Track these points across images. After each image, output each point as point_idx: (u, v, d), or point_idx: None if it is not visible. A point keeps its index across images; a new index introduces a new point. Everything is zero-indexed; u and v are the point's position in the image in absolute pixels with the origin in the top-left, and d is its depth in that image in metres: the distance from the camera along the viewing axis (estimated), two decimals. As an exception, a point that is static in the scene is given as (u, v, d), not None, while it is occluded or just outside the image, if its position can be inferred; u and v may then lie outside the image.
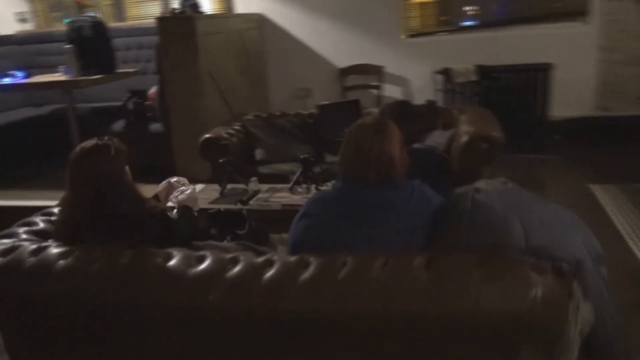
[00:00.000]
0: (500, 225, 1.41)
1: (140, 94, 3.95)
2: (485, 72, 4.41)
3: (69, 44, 3.87)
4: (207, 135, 3.33)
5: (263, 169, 3.32)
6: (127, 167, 1.89)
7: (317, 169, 2.78)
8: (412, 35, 4.66)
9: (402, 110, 3.56)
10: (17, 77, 4.09)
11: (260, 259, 1.52)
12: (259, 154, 3.43)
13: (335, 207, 1.58)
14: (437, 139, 3.29)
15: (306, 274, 1.42)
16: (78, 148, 1.82)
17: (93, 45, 3.95)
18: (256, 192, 2.76)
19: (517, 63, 4.36)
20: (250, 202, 2.59)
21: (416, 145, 3.25)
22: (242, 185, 2.83)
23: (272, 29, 4.86)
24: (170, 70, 3.61)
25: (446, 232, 1.53)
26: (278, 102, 4.93)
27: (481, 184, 1.99)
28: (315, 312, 1.38)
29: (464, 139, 3.00)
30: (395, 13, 4.68)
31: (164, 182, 2.27)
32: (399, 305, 1.34)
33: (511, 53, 4.39)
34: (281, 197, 2.63)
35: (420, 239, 1.55)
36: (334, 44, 4.81)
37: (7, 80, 4.03)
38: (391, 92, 4.76)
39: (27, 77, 4.19)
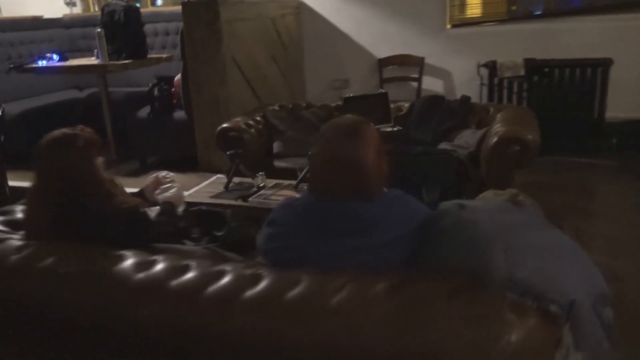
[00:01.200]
0: (479, 250, 1.18)
1: (167, 80, 3.89)
2: (535, 66, 4.03)
3: (100, 28, 3.86)
4: (224, 125, 3.20)
5: (279, 163, 3.17)
6: (99, 160, 1.78)
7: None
8: (457, 25, 4.34)
9: (433, 106, 3.31)
10: (52, 60, 4.13)
11: (213, 269, 1.37)
12: (276, 146, 3.27)
13: (301, 217, 1.40)
14: (467, 138, 3.02)
15: (252, 291, 1.25)
16: (45, 138, 1.73)
17: (124, 30, 3.93)
18: (261, 188, 2.61)
19: (572, 57, 3.96)
20: (250, 198, 2.45)
21: (443, 146, 3.00)
22: (250, 180, 2.70)
23: (310, 16, 4.68)
24: (194, 57, 3.52)
25: (424, 252, 1.31)
26: (314, 93, 4.76)
27: (488, 193, 1.75)
28: (254, 335, 1.21)
29: (494, 140, 2.71)
30: (442, 1, 4.38)
31: (151, 177, 2.15)
32: (348, 338, 1.14)
33: (565, 46, 3.99)
34: (284, 194, 2.47)
35: (400, 256, 1.34)
36: (373, 32, 4.57)
37: (42, 63, 4.07)
38: (432, 85, 4.47)
39: (62, 60, 4.23)
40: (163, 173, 2.14)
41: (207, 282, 1.31)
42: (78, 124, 4.62)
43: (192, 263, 1.41)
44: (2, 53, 4.52)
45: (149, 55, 4.13)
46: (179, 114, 3.83)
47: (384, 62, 4.57)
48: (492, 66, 4.11)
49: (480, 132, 2.98)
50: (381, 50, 4.57)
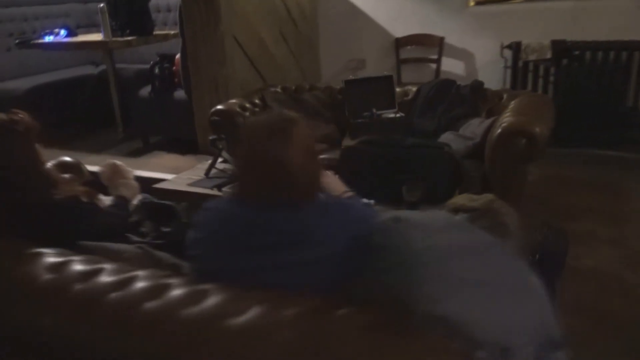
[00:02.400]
0: (405, 277, 0.99)
1: (169, 58, 3.76)
2: (564, 49, 3.69)
3: (104, 3, 3.76)
4: (217, 108, 3.06)
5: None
6: (38, 147, 1.67)
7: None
8: (481, 3, 4.01)
9: (442, 91, 3.06)
10: (59, 36, 4.07)
11: (122, 276, 1.23)
12: (272, 131, 3.11)
13: (223, 225, 1.24)
14: (474, 128, 2.78)
15: (151, 305, 1.12)
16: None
17: (129, 6, 3.81)
18: (242, 177, 2.46)
19: (605, 40, 3.60)
20: (224, 188, 2.30)
21: (447, 136, 2.76)
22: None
23: (325, -8, 4.45)
24: (192, 35, 3.37)
25: (354, 272, 1.13)
26: (330, 74, 4.55)
27: (460, 198, 1.54)
28: (150, 353, 1.08)
29: (497, 131, 2.46)
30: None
31: (108, 162, 2.03)
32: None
33: (598, 27, 3.63)
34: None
35: (332, 275, 1.16)
36: (391, 9, 4.30)
37: (49, 39, 4.02)
38: (452, 67, 4.19)
39: (70, 35, 4.16)
40: (119, 163, 2.02)
41: (108, 290, 1.19)
42: (86, 101, 4.51)
43: (107, 267, 1.29)
44: (16, 27, 4.49)
45: (155, 32, 4.01)
46: (180, 94, 3.71)
47: (401, 42, 4.30)
48: (516, 48, 3.80)
49: (488, 122, 2.73)
50: (399, 29, 4.30)
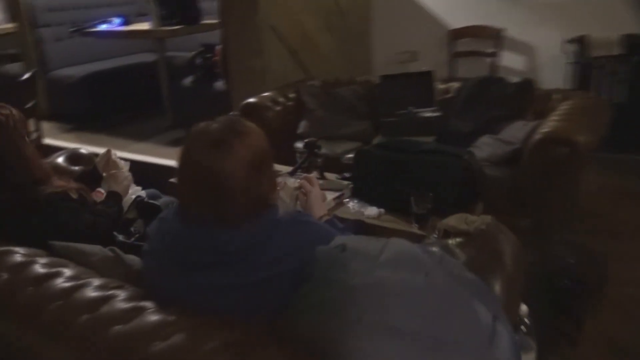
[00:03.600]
0: (329, 316, 0.86)
1: (212, 48, 3.74)
2: (636, 44, 3.30)
3: (152, -8, 3.79)
4: (248, 101, 2.99)
5: (299, 145, 2.90)
6: (27, 141, 1.66)
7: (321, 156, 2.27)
8: (545, -8, 3.67)
9: (485, 89, 2.82)
10: (113, 24, 4.16)
11: (66, 285, 1.20)
12: (301, 126, 3.00)
13: (167, 240, 1.15)
14: (516, 131, 2.54)
15: (78, 320, 1.07)
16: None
17: (177, -5, 3.82)
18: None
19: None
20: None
21: (484, 139, 2.53)
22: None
23: (379, -20, 4.26)
24: (230, 24, 3.31)
25: (292, 301, 1.01)
26: (381, 66, 4.36)
27: (452, 219, 1.38)
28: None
29: (536, 137, 2.23)
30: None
31: (104, 151, 2.02)
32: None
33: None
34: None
35: (275, 299, 1.05)
36: (447, -1, 4.05)
37: (102, 27, 4.12)
38: (510, 61, 3.87)
39: (123, 24, 4.24)
40: (112, 153, 1.99)
41: (54, 297, 1.18)
42: (138, 88, 4.52)
43: (65, 271, 1.27)
44: (75, 16, 4.64)
45: (204, 22, 4.00)
46: (220, 85, 3.68)
47: (456, 34, 4.03)
48: (580, 42, 3.44)
49: (531, 126, 2.49)
50: (454, 20, 4.03)
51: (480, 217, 1.34)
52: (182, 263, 1.09)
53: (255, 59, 3.30)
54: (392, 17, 4.30)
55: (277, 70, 3.42)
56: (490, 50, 3.90)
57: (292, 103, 3.10)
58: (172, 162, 3.57)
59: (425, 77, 2.92)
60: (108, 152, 1.99)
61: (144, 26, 3.98)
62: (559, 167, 2.16)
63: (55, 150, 4.03)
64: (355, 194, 2.07)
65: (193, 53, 3.77)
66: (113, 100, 4.42)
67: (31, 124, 3.17)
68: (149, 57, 4.77)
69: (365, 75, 4.27)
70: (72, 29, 4.12)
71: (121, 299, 1.13)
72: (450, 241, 1.29)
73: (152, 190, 2.19)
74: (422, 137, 2.66)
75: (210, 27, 4.03)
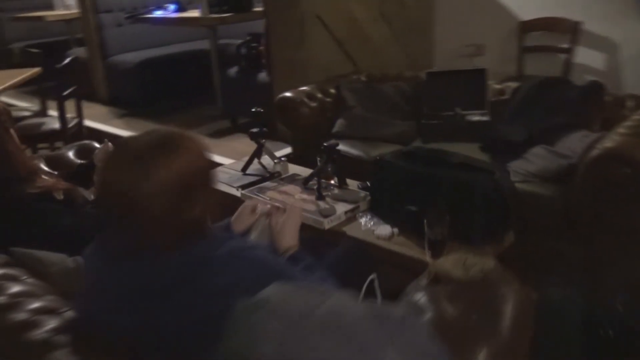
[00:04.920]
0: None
1: (258, 37, 3.59)
2: None
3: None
4: (283, 95, 2.82)
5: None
6: (12, 132, 1.58)
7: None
8: (633, -21, 3.19)
9: (545, 92, 2.47)
10: (167, 11, 4.13)
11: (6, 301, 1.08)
12: (338, 124, 2.78)
13: (87, 261, 1.00)
14: (574, 143, 2.20)
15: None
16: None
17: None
18: (275, 177, 2.21)
19: None
20: (243, 191, 2.06)
21: (537, 150, 2.20)
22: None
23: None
24: (273, 13, 3.14)
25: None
26: (442, 59, 4.04)
27: (448, 261, 1.15)
28: None
29: (594, 153, 1.89)
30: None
31: (102, 144, 1.91)
32: None
33: None
34: (285, 192, 2.02)
35: (194, 350, 0.88)
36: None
37: (157, 13, 4.09)
38: (588, 59, 3.42)
39: (178, 10, 4.19)
40: (110, 146, 1.88)
41: None
42: (192, 76, 4.46)
43: (9, 286, 1.15)
44: (135, 2, 4.66)
45: (255, 9, 3.87)
46: (264, 76, 3.53)
47: (527, 26, 3.62)
48: (672, 39, 2.96)
49: (592, 138, 2.13)
50: (526, 11, 3.62)
51: (481, 260, 1.09)
52: (95, 294, 0.94)
53: (297, 50, 3.11)
54: (457, 6, 3.94)
55: (321, 62, 3.22)
56: (564, 45, 3.46)
57: (331, 99, 2.89)
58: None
59: (478, 76, 2.60)
60: (106, 145, 1.88)
61: (196, 13, 3.90)
62: (618, 189, 1.81)
63: (96, 133, 4.10)
64: (372, 208, 1.85)
65: (240, 42, 3.64)
66: (166, 88, 4.41)
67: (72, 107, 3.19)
68: (203, 45, 4.73)
69: (420, 70, 4.00)
70: (126, 15, 4.13)
71: (40, 331, 1.00)
72: (440, 289, 1.06)
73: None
74: (466, 144, 2.38)
75: (258, 15, 3.90)
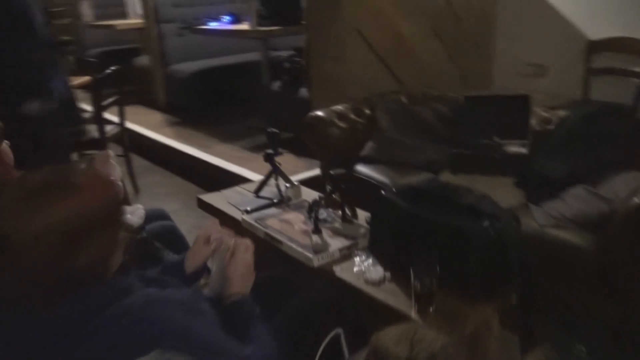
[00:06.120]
0: None
1: (302, 52, 3.50)
2: None
3: (255, -9, 3.68)
4: (315, 113, 2.71)
5: (362, 168, 2.54)
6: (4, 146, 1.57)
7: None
8: None
9: (593, 123, 2.20)
10: (222, 22, 4.16)
11: None
12: (367, 147, 2.63)
13: None
14: (621, 185, 1.93)
15: None
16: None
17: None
18: (285, 202, 2.10)
19: None
20: (243, 216, 1.97)
21: (578, 191, 1.94)
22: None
23: (508, -21, 3.65)
24: (313, 27, 3.04)
25: None
26: (500, 81, 3.78)
27: (389, 337, 1.01)
28: None
29: (634, 199, 1.64)
30: None
31: (103, 152, 1.88)
32: None
33: None
34: (287, 220, 1.91)
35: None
36: (587, 2, 3.31)
37: (212, 25, 4.13)
38: (664, 85, 3.04)
39: (233, 22, 4.21)
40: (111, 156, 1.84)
41: None
42: (243, 87, 4.47)
43: None
44: (196, 12, 4.74)
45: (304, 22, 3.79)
46: (303, 92, 3.44)
47: (596, 46, 3.28)
48: None
49: (641, 181, 1.85)
50: (596, 29, 3.28)
51: (431, 335, 0.92)
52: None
53: (336, 66, 2.99)
54: (520, 23, 3.66)
55: (361, 79, 3.08)
56: (637, 69, 3.10)
57: (364, 120, 2.74)
58: (238, 169, 3.46)
59: (520, 102, 2.36)
60: (106, 154, 1.85)
61: (247, 26, 3.90)
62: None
63: (139, 140, 4.17)
64: (370, 247, 1.69)
65: (284, 55, 3.58)
66: (217, 98, 4.45)
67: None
68: (256, 57, 4.74)
69: (476, 89, 3.75)
70: (181, 26, 4.20)
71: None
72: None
73: (157, 210, 2.04)
74: (499, 178, 2.16)
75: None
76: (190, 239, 2.98)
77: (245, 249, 1.26)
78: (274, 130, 2.22)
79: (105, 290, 0.87)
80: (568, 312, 1.77)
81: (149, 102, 5.17)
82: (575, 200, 1.93)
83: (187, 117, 4.56)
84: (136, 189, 3.46)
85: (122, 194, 0.96)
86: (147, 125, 4.43)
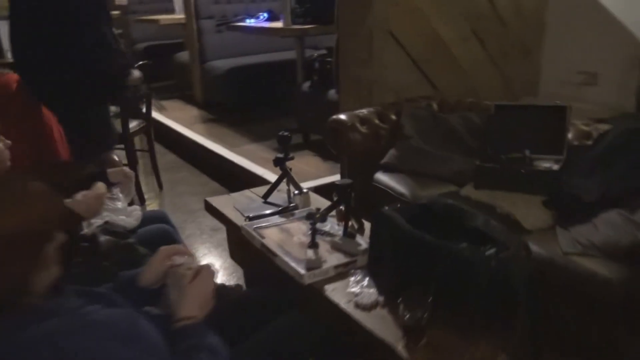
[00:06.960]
0: None
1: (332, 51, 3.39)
2: None
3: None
4: (337, 117, 2.58)
5: (381, 176, 2.39)
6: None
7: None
8: None
9: (635, 141, 1.97)
10: (259, 20, 4.09)
11: None
12: (388, 155, 2.48)
13: None
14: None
15: None
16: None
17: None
18: (290, 209, 1.99)
19: None
20: (243, 223, 1.87)
21: (612, 216, 1.73)
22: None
23: (560, -18, 3.40)
24: (344, 26, 2.92)
25: None
26: (548, 88, 3.54)
27: None
28: None
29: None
30: None
31: (120, 168, 1.83)
32: None
33: None
34: (285, 230, 1.80)
35: None
36: (645, 8, 3.04)
37: (249, 22, 4.08)
38: None
39: (270, 19, 4.14)
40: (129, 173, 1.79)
41: None
42: (279, 85, 4.48)
43: None
44: (236, 9, 4.70)
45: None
46: (332, 93, 3.32)
47: (653, 55, 3.01)
48: None
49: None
50: (653, 37, 3.02)
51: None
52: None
53: (364, 68, 2.86)
54: (572, 28, 3.40)
55: (391, 83, 2.93)
56: (699, 81, 2.81)
57: (388, 126, 2.60)
58: (262, 171, 3.37)
59: (556, 114, 2.15)
60: (122, 170, 1.81)
61: (281, 24, 3.82)
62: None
63: (167, 135, 4.15)
64: (369, 266, 1.56)
65: (314, 56, 3.48)
66: (252, 96, 4.40)
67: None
68: (291, 55, 4.65)
69: (522, 97, 3.53)
70: (218, 22, 4.17)
71: None
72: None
73: (157, 212, 1.98)
74: (527, 195, 1.98)
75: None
76: (201, 241, 2.95)
77: (209, 273, 1.16)
78: (286, 133, 2.12)
79: (20, 313, 0.79)
80: (589, 348, 1.59)
81: (188, 98, 5.19)
82: (607, 227, 1.72)
83: (222, 115, 4.53)
84: (160, 185, 3.44)
85: (58, 210, 0.88)
86: (182, 120, 4.43)
